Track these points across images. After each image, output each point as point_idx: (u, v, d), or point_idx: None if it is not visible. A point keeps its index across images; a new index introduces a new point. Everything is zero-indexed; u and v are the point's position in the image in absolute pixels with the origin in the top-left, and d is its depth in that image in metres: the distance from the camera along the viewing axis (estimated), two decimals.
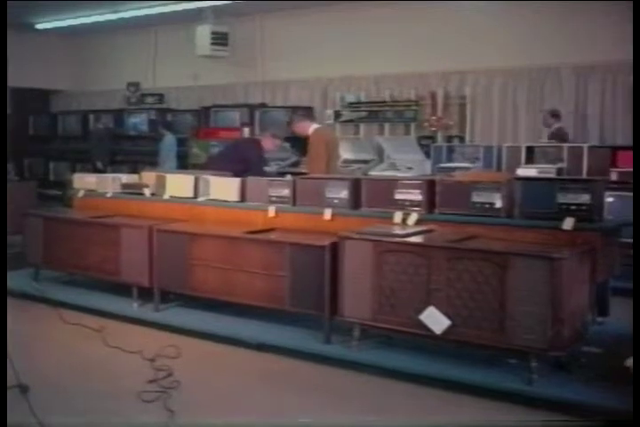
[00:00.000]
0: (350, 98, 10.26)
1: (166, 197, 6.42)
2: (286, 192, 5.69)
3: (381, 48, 9.82)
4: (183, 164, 10.61)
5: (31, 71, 12.38)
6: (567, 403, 3.96)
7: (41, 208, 8.10)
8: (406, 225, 5.02)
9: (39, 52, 12.74)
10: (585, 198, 4.53)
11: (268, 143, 7.74)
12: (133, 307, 5.92)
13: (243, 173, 6.41)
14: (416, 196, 5.08)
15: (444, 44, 9.24)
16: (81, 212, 6.89)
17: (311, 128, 7.62)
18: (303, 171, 8.40)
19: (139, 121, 12.08)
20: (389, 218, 5.11)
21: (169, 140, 10.63)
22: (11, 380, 3.89)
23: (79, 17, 11.47)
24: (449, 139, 9.38)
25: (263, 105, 11.03)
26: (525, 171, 7.18)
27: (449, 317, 4.34)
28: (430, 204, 5.04)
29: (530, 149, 7.84)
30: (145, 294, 5.90)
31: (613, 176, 7.09)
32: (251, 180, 6.00)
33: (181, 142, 11.00)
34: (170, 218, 6.15)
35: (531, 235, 4.60)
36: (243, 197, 5.95)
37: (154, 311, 5.80)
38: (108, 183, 6.92)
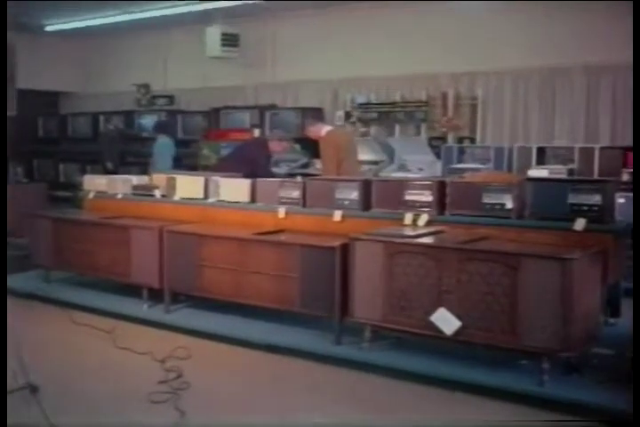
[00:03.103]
0: (361, 99, 10.23)
1: (176, 198, 6.43)
2: (296, 194, 5.69)
3: (392, 49, 9.79)
4: (193, 165, 10.58)
5: (41, 73, 12.41)
6: (578, 404, 3.94)
7: (51, 210, 8.10)
8: (417, 226, 5.01)
9: (49, 54, 12.75)
10: (596, 199, 4.51)
11: (276, 146, 7.82)
12: (143, 308, 5.92)
13: (251, 174, 6.41)
14: (427, 197, 5.07)
15: (454, 44, 9.20)
16: (91, 213, 6.91)
17: (323, 131, 7.64)
18: (313, 172, 8.41)
19: (149, 122, 12.07)
20: (400, 219, 5.10)
21: (162, 142, 10.41)
22: (20, 380, 3.90)
23: (89, 19, 11.45)
24: (460, 140, 9.34)
25: (273, 106, 11.00)
26: (536, 172, 7.17)
27: (460, 318, 4.32)
28: (441, 205, 5.03)
29: (541, 150, 7.84)
30: (155, 296, 5.91)
31: (625, 177, 7.07)
32: (261, 181, 6.00)
33: (186, 144, 11.01)
34: (180, 219, 6.15)
35: (542, 236, 4.58)
36: (253, 199, 5.95)
37: (164, 313, 5.81)
38: (119, 185, 6.93)
